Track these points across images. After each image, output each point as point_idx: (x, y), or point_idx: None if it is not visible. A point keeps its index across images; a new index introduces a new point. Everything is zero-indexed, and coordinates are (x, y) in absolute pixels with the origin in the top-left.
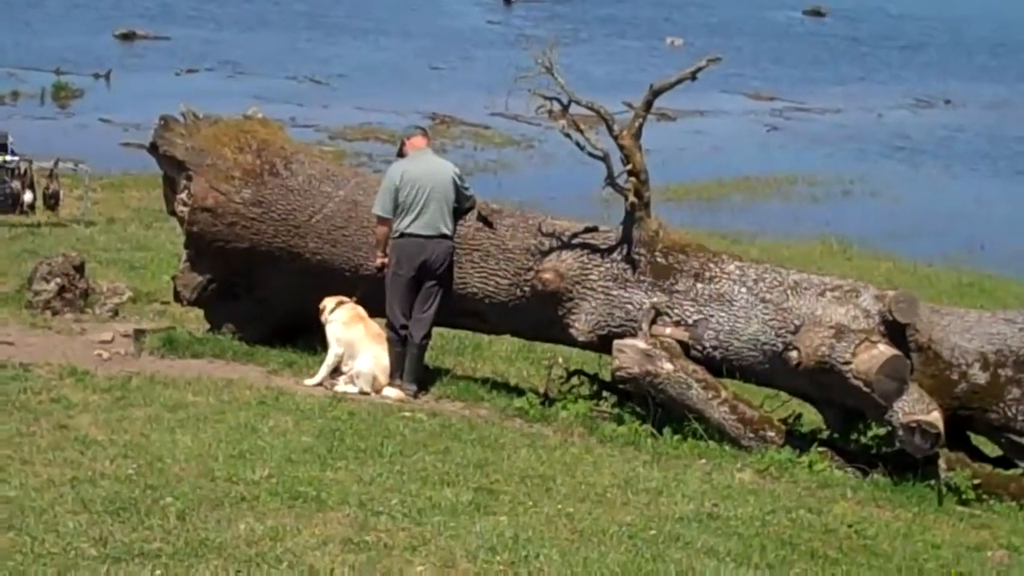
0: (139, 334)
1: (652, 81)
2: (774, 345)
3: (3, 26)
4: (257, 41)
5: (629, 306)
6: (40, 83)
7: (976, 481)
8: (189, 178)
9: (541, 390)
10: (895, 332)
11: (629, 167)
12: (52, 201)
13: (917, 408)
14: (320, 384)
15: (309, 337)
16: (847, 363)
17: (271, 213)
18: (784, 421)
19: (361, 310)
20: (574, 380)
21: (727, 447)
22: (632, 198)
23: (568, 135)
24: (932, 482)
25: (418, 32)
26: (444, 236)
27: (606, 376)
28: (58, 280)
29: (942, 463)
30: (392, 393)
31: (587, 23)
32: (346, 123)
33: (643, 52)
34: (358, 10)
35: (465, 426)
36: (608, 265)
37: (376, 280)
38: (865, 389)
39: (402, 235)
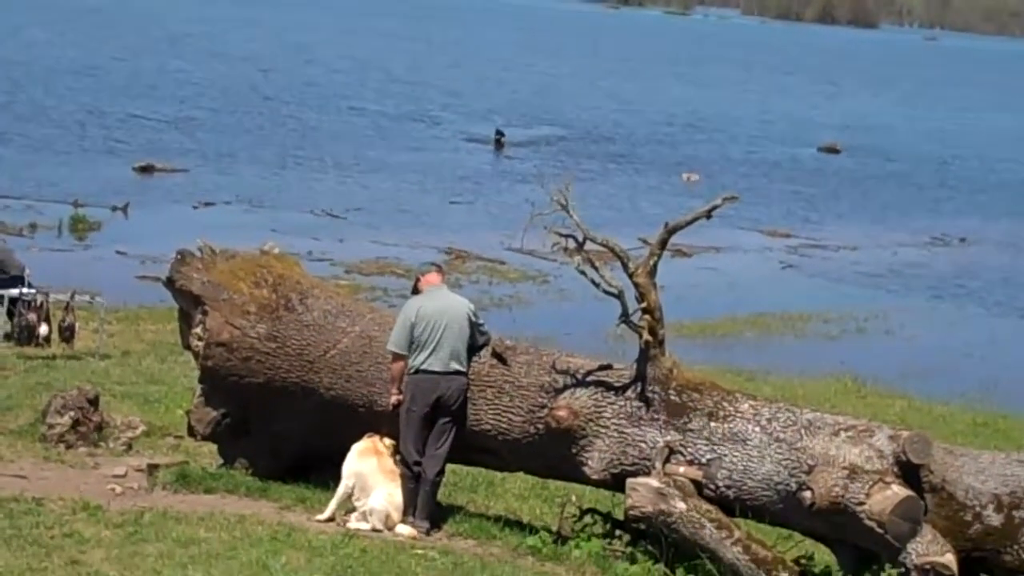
0: (152, 469)
1: (666, 219)
2: (787, 485)
3: (22, 159)
4: (274, 175)
5: (643, 444)
6: (58, 215)
7: None
8: (205, 312)
9: (554, 528)
10: (909, 473)
11: (644, 305)
12: (67, 334)
13: (931, 550)
14: (331, 518)
15: (322, 473)
16: (861, 504)
17: (286, 348)
18: (797, 561)
19: (382, 445)
20: (587, 518)
21: None
22: (646, 336)
23: (583, 272)
24: None
25: (423, 169)
26: (458, 372)
27: (619, 515)
28: (72, 414)
29: None
30: (405, 530)
31: (590, 160)
32: (362, 257)
33: (657, 188)
34: (362, 148)
35: (477, 564)
36: (622, 403)
37: (392, 416)
38: (879, 530)
39: (417, 371)
